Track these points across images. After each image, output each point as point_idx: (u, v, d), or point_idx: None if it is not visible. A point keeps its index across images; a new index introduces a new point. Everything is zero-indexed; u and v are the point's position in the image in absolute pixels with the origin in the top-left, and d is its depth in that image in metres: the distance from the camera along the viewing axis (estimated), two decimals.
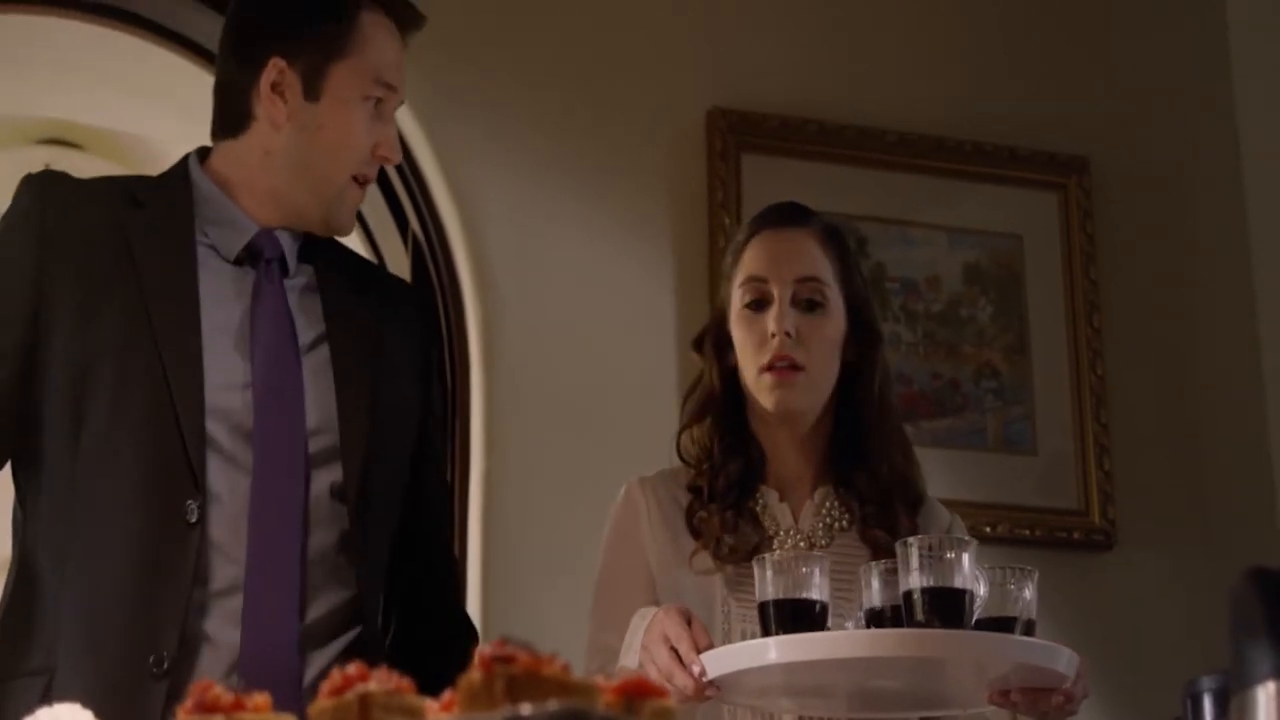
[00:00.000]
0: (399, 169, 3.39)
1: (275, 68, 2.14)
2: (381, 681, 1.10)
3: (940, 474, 3.61)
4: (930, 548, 1.94)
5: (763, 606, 1.99)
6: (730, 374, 2.39)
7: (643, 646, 2.07)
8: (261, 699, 1.17)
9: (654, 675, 2.00)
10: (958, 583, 1.92)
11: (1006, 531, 3.59)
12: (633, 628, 2.15)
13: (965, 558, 1.94)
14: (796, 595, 1.95)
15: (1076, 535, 3.64)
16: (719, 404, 2.39)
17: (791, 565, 1.97)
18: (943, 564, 1.93)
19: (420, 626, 2.26)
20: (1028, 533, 3.62)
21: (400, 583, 2.24)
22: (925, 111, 3.79)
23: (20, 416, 2.08)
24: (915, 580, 1.93)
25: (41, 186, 2.14)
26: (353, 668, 1.12)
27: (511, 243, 3.50)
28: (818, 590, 1.96)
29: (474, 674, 1.06)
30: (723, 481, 2.34)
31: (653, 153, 3.61)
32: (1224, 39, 4.03)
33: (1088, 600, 3.58)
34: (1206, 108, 3.98)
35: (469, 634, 2.30)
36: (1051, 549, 3.60)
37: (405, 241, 3.50)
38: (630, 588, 2.33)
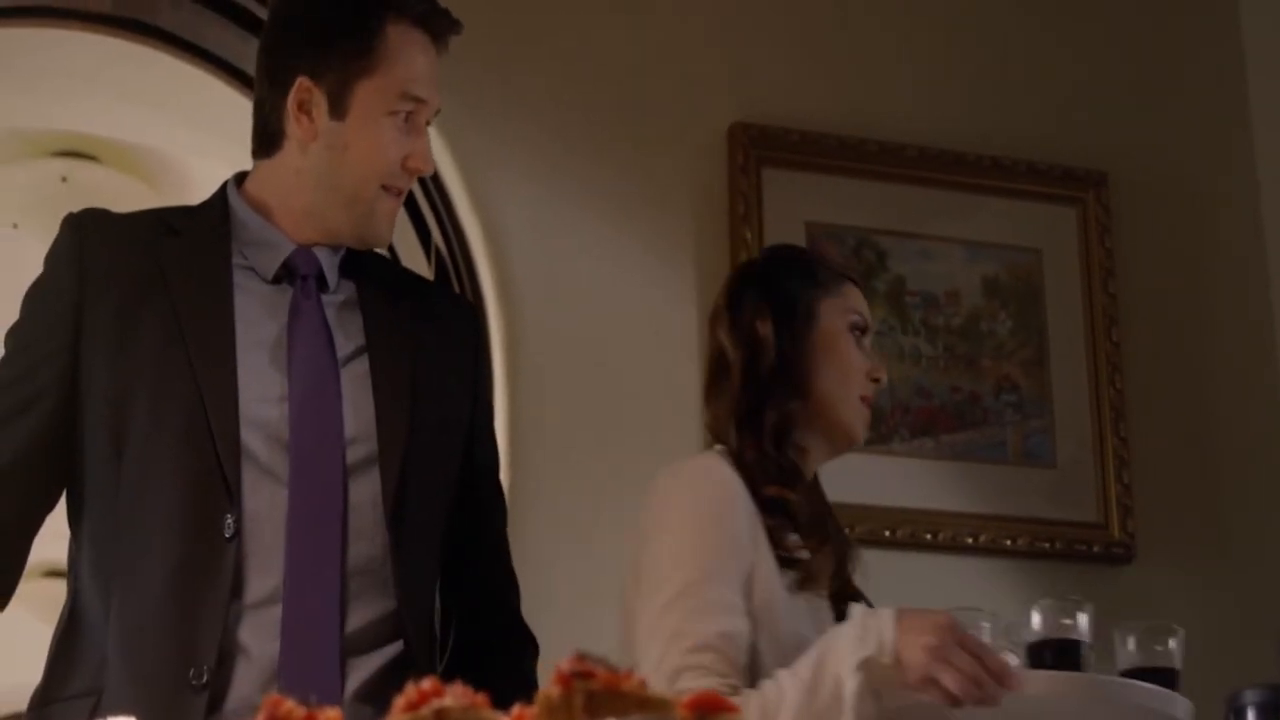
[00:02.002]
0: (421, 181, 3.39)
1: (302, 87, 2.15)
2: (458, 697, 1.10)
3: (959, 487, 3.62)
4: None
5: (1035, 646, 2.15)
6: None
7: (931, 648, 1.94)
8: (334, 713, 1.17)
9: (950, 680, 1.93)
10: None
11: (1026, 544, 3.59)
12: (845, 634, 2.01)
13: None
14: (1065, 637, 2.19)
15: (1096, 548, 3.64)
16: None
17: (1060, 611, 2.19)
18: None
19: (477, 635, 2.27)
20: (1047, 546, 3.61)
21: (456, 592, 2.25)
22: (944, 126, 3.80)
23: (66, 447, 2.11)
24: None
25: (80, 224, 2.18)
26: (428, 683, 1.11)
27: (534, 256, 3.50)
28: (1080, 633, 2.18)
29: (552, 689, 1.06)
30: (807, 511, 2.23)
31: (675, 166, 3.62)
32: (1240, 54, 4.04)
33: (1107, 613, 3.57)
34: (1224, 122, 3.99)
35: (527, 642, 2.30)
36: (1070, 562, 3.60)
37: (428, 254, 3.50)
38: (733, 580, 2.11)
